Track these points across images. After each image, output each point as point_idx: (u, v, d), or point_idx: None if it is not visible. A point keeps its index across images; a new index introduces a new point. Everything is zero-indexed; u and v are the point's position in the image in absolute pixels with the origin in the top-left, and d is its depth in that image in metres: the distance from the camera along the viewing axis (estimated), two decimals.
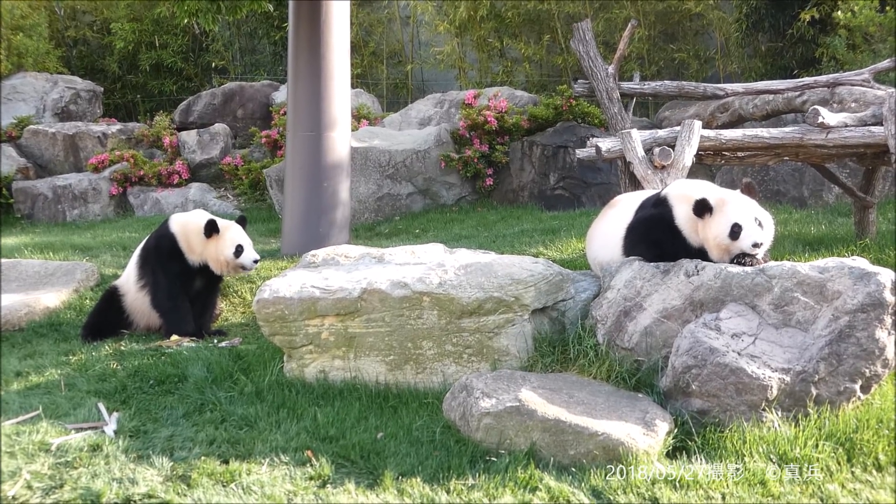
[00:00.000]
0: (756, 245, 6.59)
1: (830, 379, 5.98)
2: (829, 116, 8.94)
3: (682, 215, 6.92)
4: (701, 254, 6.87)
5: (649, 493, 5.29)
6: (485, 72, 21.00)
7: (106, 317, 8.70)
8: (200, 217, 8.58)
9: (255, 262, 8.56)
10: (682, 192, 7.05)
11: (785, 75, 16.06)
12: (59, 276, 10.19)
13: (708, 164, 10.93)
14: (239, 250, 8.43)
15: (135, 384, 7.03)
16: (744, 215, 6.64)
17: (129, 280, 8.81)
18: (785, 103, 11.93)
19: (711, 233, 6.73)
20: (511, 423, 5.78)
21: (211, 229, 8.40)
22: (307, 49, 11.43)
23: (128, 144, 18.56)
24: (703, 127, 9.17)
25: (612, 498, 5.28)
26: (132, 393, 6.88)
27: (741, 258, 6.63)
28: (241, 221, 8.66)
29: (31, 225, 16.82)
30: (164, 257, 8.49)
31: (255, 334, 8.36)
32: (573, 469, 5.56)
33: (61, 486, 5.25)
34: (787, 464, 5.53)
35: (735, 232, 6.60)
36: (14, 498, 5.11)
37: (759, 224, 6.66)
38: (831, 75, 11.56)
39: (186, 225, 8.51)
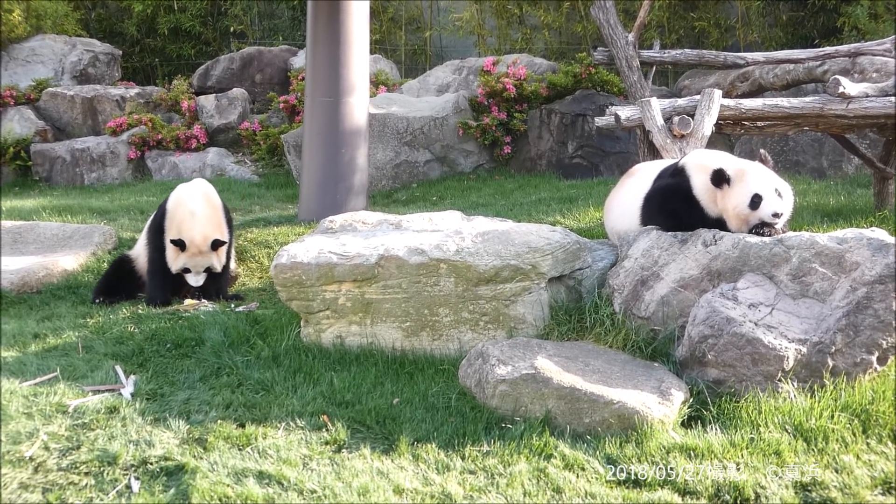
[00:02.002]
0: (776, 215, 6.57)
1: (847, 350, 5.97)
2: (849, 86, 8.89)
3: (700, 185, 6.91)
4: (718, 224, 6.85)
5: (664, 461, 5.30)
6: (504, 39, 20.89)
7: (118, 281, 8.79)
8: (186, 196, 8.66)
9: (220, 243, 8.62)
10: (700, 162, 7.03)
11: (806, 45, 15.95)
12: (77, 239, 10.23)
13: (727, 134, 10.88)
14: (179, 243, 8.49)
15: (152, 347, 7.07)
16: (764, 185, 6.61)
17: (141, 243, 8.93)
18: (806, 73, 11.88)
19: (731, 203, 6.71)
20: (526, 391, 5.79)
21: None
22: (326, 14, 11.39)
23: (146, 108, 18.52)
24: (723, 96, 9.13)
25: (626, 466, 5.29)
26: (149, 356, 6.91)
27: (760, 228, 6.61)
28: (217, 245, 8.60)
29: (48, 188, 16.83)
30: (158, 227, 8.63)
31: (273, 299, 8.38)
32: (588, 437, 5.58)
33: (78, 448, 5.29)
34: (802, 434, 5.54)
35: (755, 202, 6.58)
36: (31, 458, 5.14)
37: (779, 194, 6.64)
38: (853, 45, 11.50)
39: (178, 204, 8.57)
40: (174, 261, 8.44)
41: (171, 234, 8.41)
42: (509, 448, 5.45)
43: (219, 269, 8.59)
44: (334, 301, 7.04)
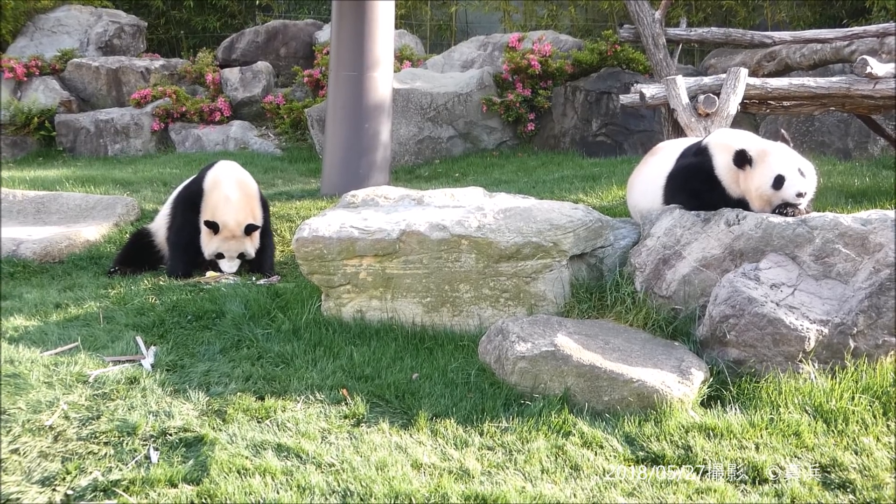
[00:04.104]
0: (800, 195, 6.54)
1: (869, 332, 5.94)
2: (877, 67, 8.83)
3: (723, 165, 6.87)
4: (740, 204, 6.83)
5: (683, 441, 5.29)
6: (530, 15, 20.83)
7: (136, 253, 8.84)
8: (223, 178, 8.64)
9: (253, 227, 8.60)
10: (722, 142, 6.99)
11: (834, 24, 15.88)
12: (100, 210, 10.26)
13: (753, 113, 10.84)
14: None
15: (173, 319, 7.09)
16: (787, 166, 6.57)
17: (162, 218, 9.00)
18: (833, 53, 11.81)
19: (754, 184, 6.67)
20: (546, 368, 5.78)
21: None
22: None
23: (170, 80, 18.57)
24: (750, 75, 9.09)
25: (645, 445, 5.28)
26: (170, 327, 6.93)
27: (783, 208, 6.57)
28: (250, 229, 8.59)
29: (72, 158, 16.91)
30: (189, 204, 8.63)
31: (294, 273, 8.40)
32: (607, 415, 5.57)
33: (98, 418, 5.31)
34: (822, 416, 5.52)
35: (779, 182, 6.54)
36: (51, 427, 5.17)
37: (802, 174, 6.60)
38: (881, 25, 11.43)
39: (215, 185, 8.59)
40: (207, 245, 8.47)
41: (205, 215, 8.43)
42: (528, 425, 5.44)
43: (252, 254, 8.57)
44: (355, 275, 7.05)
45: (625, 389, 5.60)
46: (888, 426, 5.45)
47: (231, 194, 8.46)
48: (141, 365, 6.06)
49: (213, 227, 8.34)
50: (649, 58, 13.06)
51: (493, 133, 15.95)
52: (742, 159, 6.67)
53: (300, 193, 11.74)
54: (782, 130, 7.10)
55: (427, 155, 15.40)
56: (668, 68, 12.47)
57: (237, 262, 8.51)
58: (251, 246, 8.53)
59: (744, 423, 5.44)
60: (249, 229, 8.43)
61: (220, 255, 8.46)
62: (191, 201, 8.59)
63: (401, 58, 17.68)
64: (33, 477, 4.81)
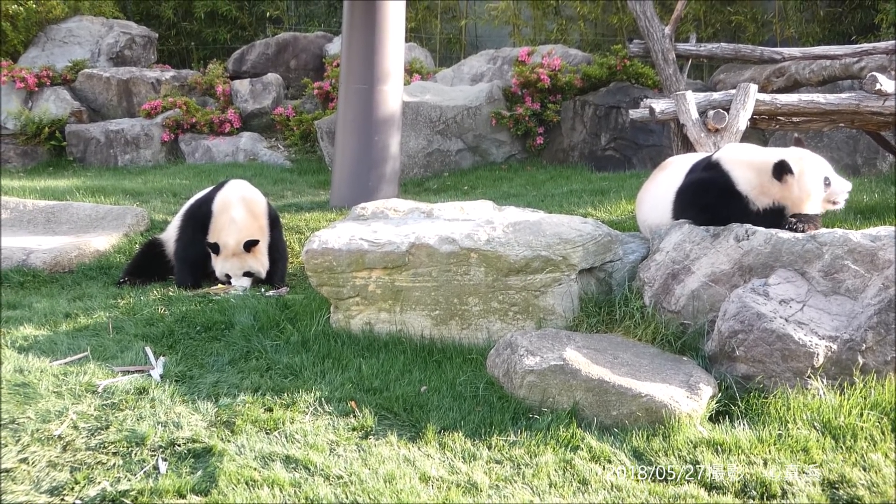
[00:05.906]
0: (846, 189, 6.74)
1: (878, 348, 5.93)
2: (886, 83, 8.85)
3: (744, 179, 6.86)
4: (761, 216, 6.80)
5: (691, 456, 5.28)
6: (539, 29, 20.87)
7: (147, 264, 8.88)
8: (231, 201, 8.67)
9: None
10: (738, 157, 6.99)
11: (843, 41, 15.89)
12: (110, 220, 10.28)
13: (762, 129, 10.84)
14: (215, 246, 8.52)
15: (182, 329, 7.10)
16: (823, 166, 6.81)
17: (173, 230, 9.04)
18: (842, 69, 11.81)
19: (805, 189, 6.70)
20: (554, 382, 5.78)
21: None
22: (363, 1, 11.40)
23: (181, 91, 18.63)
24: (759, 91, 9.10)
25: (653, 460, 5.28)
26: (179, 338, 6.94)
27: (794, 225, 6.58)
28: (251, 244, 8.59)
29: (82, 168, 16.96)
30: (198, 224, 8.65)
31: (303, 284, 8.40)
32: (615, 430, 5.56)
33: (107, 428, 5.31)
34: (830, 432, 5.51)
35: (827, 180, 6.68)
36: (60, 437, 5.18)
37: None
38: (890, 42, 11.44)
39: (223, 209, 8.61)
40: (215, 265, 8.52)
41: (211, 237, 8.46)
42: (536, 439, 5.44)
43: (261, 272, 8.56)
44: (364, 288, 7.05)
45: (633, 404, 5.60)
46: None
47: (237, 216, 8.47)
48: (150, 375, 6.07)
49: (214, 248, 8.38)
50: (659, 73, 13.09)
51: (502, 146, 15.97)
52: (781, 170, 6.68)
53: (309, 205, 11.76)
54: (798, 135, 7.14)
55: (436, 168, 15.43)
56: (678, 83, 12.50)
57: (247, 280, 8.50)
58: (256, 262, 8.51)
59: (752, 439, 5.44)
60: (248, 245, 8.42)
61: (230, 276, 8.47)
62: (200, 221, 8.62)
63: (410, 71, 17.71)
64: (42, 486, 4.81)
